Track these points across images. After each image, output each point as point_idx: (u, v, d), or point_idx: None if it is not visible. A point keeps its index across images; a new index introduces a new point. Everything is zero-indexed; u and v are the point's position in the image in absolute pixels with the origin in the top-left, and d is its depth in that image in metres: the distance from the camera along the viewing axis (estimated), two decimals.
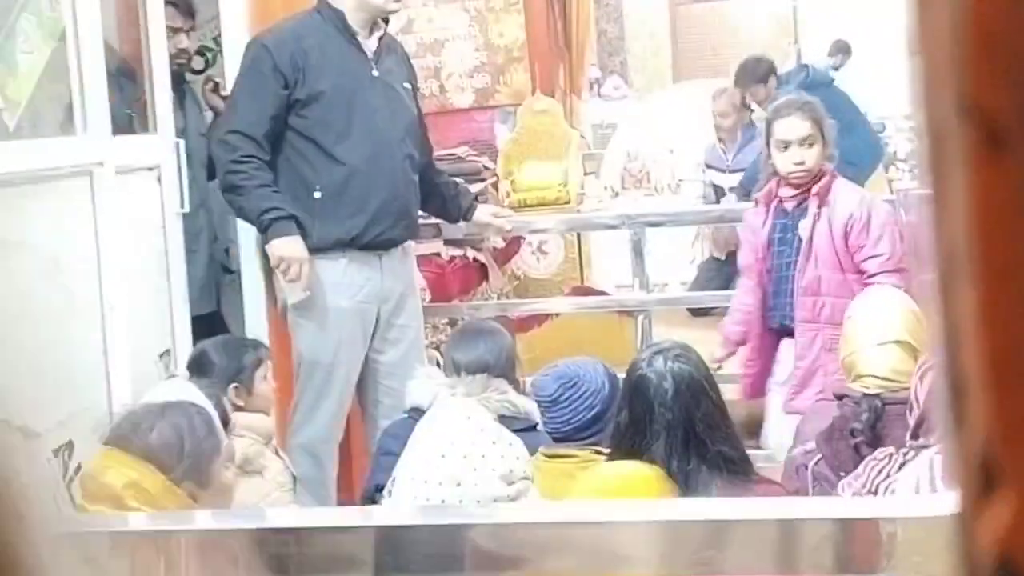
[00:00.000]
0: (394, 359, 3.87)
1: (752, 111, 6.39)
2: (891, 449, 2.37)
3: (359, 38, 3.76)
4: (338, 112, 3.69)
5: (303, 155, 3.70)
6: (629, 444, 2.45)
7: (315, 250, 3.66)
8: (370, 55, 3.78)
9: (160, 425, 2.46)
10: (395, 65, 3.90)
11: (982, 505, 0.45)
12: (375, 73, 3.78)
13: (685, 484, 2.36)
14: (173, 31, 3.92)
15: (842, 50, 10.21)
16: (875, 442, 2.46)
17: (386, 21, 3.92)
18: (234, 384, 3.25)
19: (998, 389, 0.44)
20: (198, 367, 3.27)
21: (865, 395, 2.63)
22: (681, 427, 2.40)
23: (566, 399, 2.81)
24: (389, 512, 2.15)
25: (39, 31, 3.06)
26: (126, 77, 3.76)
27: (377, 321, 3.84)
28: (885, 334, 2.89)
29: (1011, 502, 0.44)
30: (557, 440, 2.83)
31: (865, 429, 2.50)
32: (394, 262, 3.86)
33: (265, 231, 3.63)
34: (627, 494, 2.31)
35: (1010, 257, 0.43)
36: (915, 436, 2.34)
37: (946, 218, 0.45)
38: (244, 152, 3.61)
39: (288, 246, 3.59)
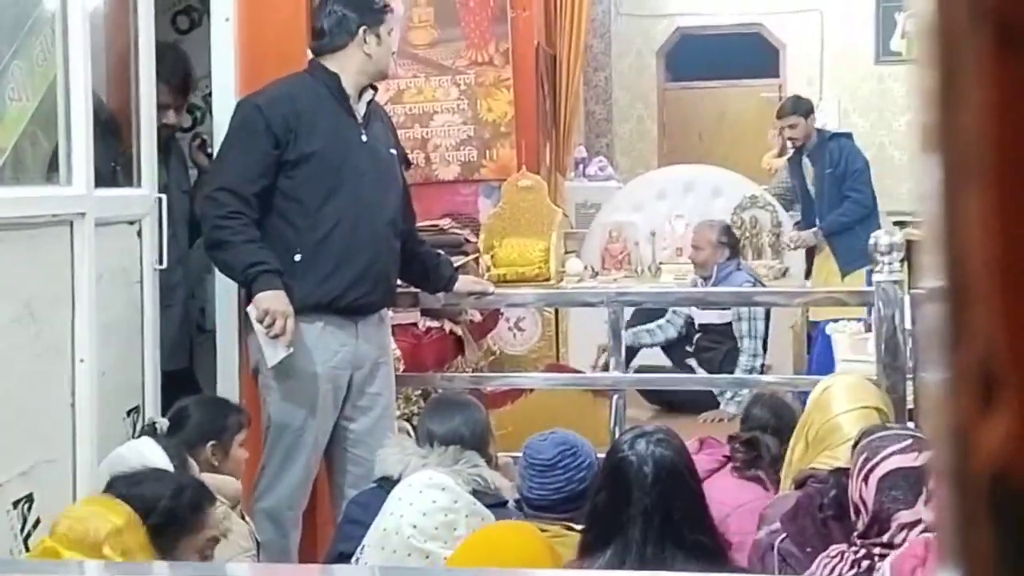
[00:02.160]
0: (364, 427, 3.83)
1: (733, 252, 6.48)
2: (843, 547, 2.35)
3: (350, 102, 3.78)
4: (325, 175, 3.68)
5: (286, 217, 3.68)
6: (606, 525, 2.42)
7: (296, 313, 3.63)
8: (359, 119, 3.80)
9: (152, 481, 2.50)
10: (381, 131, 3.91)
11: (980, 418, 0.43)
12: (364, 138, 3.79)
13: (659, 566, 2.33)
14: (162, 107, 3.89)
15: None
16: (843, 515, 2.44)
17: (375, 88, 3.93)
18: (212, 443, 3.25)
19: (1004, 295, 0.43)
20: (178, 421, 3.27)
21: (831, 471, 2.62)
22: (659, 514, 2.36)
23: (564, 466, 2.81)
24: (350, 571, 2.11)
25: (29, 79, 3.06)
26: (112, 130, 3.74)
27: (349, 388, 3.80)
28: (860, 399, 3.02)
29: (1012, 411, 0.43)
30: (537, 509, 2.80)
31: (833, 504, 2.49)
32: (370, 328, 3.83)
33: (250, 285, 3.58)
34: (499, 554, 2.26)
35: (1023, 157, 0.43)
36: (864, 536, 2.31)
37: (957, 121, 0.45)
38: (232, 208, 3.58)
39: (273, 300, 3.55)
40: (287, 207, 3.67)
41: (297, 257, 3.65)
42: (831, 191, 6.89)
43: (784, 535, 2.59)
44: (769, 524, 2.73)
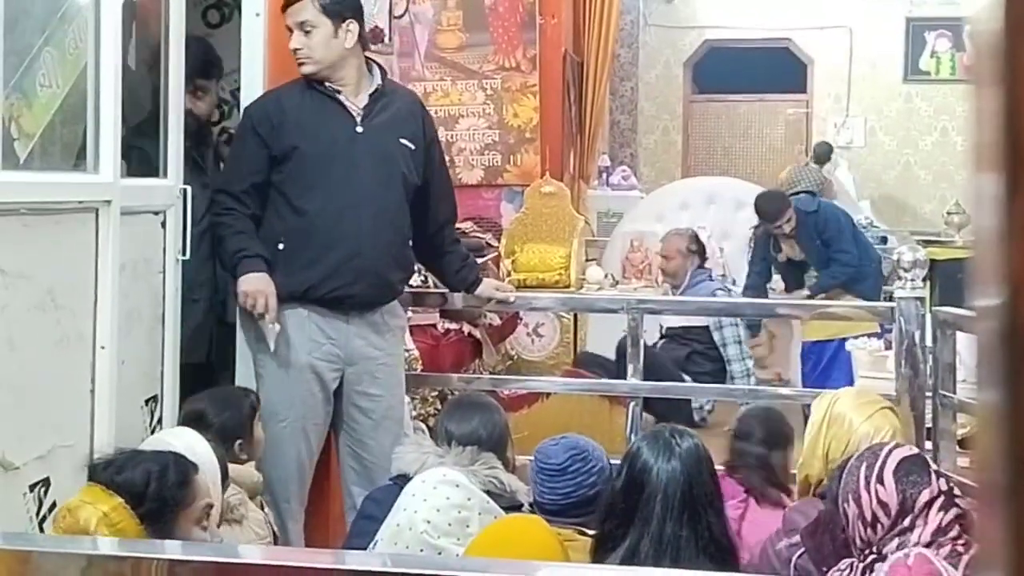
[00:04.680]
0: (366, 429, 3.84)
1: (702, 259, 6.43)
2: (853, 560, 2.35)
3: (341, 97, 3.79)
4: (311, 167, 3.74)
5: (276, 208, 3.78)
6: (625, 511, 2.42)
7: (278, 301, 3.70)
8: (356, 111, 3.80)
9: (133, 466, 2.49)
10: (391, 121, 3.87)
11: None
12: (359, 129, 3.79)
13: (676, 551, 2.33)
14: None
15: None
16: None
17: (384, 74, 3.92)
18: (239, 441, 3.33)
19: None
20: (195, 423, 3.24)
21: None
22: (680, 489, 2.38)
23: (574, 470, 2.81)
24: (361, 557, 2.11)
25: (60, 66, 3.07)
26: (141, 120, 3.76)
27: (342, 384, 3.81)
28: (873, 401, 3.10)
29: None
30: (549, 513, 2.80)
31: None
32: (365, 327, 3.82)
33: (235, 272, 3.69)
34: (514, 544, 2.26)
35: None
36: (889, 531, 2.31)
37: None
38: (224, 206, 3.74)
39: (251, 281, 3.65)
40: (276, 199, 3.77)
41: (280, 246, 3.73)
42: (823, 258, 6.80)
43: (802, 550, 2.58)
44: (789, 530, 2.73)
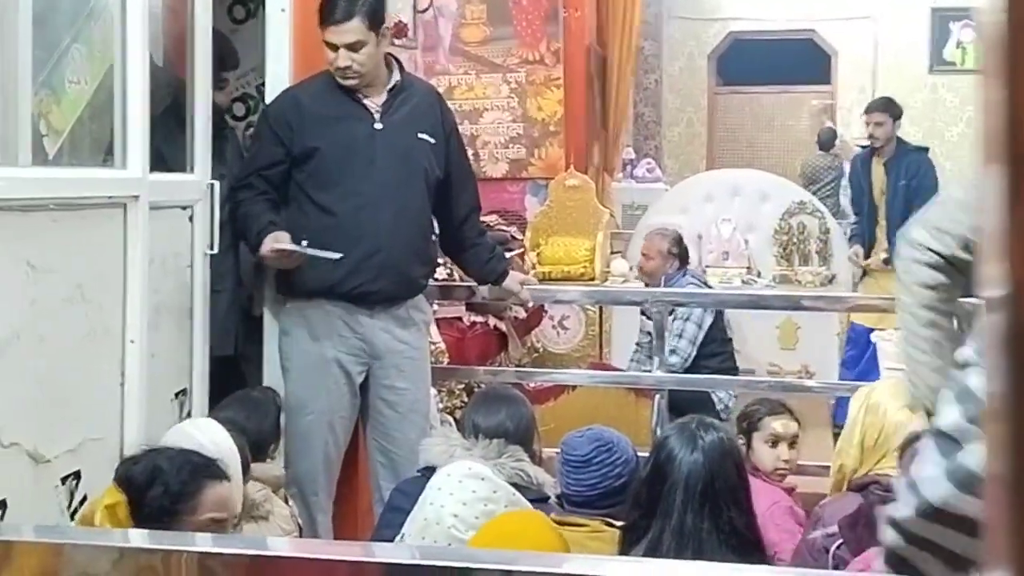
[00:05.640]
0: (392, 422, 3.86)
1: (682, 263, 6.22)
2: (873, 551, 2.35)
3: (359, 95, 3.79)
4: (331, 166, 3.76)
5: (299, 206, 3.80)
6: (650, 502, 2.42)
7: (303, 296, 3.75)
8: (375, 108, 3.81)
9: (145, 463, 2.47)
10: (411, 116, 3.87)
11: None
12: (378, 126, 3.80)
13: (698, 544, 2.34)
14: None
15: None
16: None
17: (402, 69, 3.92)
18: (272, 445, 3.39)
19: None
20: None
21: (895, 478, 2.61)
22: (701, 481, 2.39)
23: (599, 462, 2.82)
24: (390, 550, 2.12)
25: (88, 63, 3.09)
26: (168, 115, 3.78)
27: (367, 378, 3.82)
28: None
29: None
30: (576, 505, 2.81)
31: None
32: (390, 321, 3.84)
33: (258, 246, 3.70)
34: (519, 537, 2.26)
35: None
36: None
37: None
38: (239, 198, 3.79)
39: (272, 237, 3.66)
40: (299, 197, 3.79)
41: (304, 243, 3.73)
42: (900, 203, 6.73)
43: (841, 541, 2.58)
44: (824, 524, 2.72)
